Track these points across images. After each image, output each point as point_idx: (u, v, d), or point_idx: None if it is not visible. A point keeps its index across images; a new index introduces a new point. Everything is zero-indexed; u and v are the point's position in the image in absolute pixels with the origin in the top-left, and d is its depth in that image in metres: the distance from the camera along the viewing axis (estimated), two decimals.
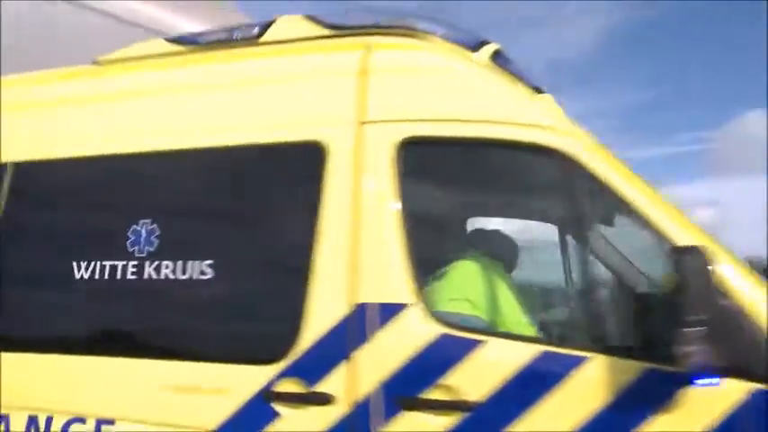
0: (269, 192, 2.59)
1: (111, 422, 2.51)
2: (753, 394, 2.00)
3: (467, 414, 2.19)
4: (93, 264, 2.64)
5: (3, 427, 2.60)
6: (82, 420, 2.54)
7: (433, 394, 2.23)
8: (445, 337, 2.25)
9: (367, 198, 2.42)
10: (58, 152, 2.82)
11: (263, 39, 2.85)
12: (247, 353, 2.44)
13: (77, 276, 2.65)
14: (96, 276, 2.63)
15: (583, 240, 2.28)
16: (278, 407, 2.35)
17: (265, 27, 2.86)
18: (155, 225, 2.61)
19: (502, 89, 2.50)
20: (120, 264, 2.61)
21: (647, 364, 2.10)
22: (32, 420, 2.58)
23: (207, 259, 2.51)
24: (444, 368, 2.23)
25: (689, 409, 2.03)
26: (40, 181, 2.88)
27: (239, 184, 2.62)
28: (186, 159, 2.65)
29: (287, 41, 2.80)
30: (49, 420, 2.56)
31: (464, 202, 2.63)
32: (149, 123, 2.74)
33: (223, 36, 2.91)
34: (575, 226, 2.28)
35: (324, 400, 2.30)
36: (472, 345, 2.23)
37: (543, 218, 2.74)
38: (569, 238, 2.30)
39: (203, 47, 2.93)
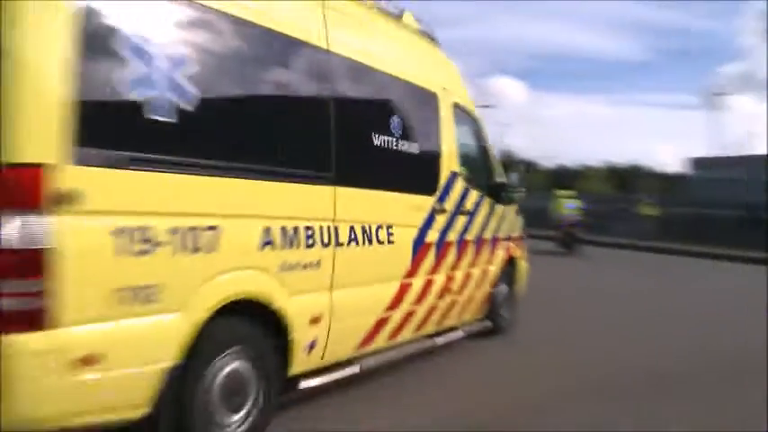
0: (421, 112, 5.12)
1: (391, 226, 4.55)
2: None
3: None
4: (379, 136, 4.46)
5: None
6: (381, 226, 4.44)
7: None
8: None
9: (452, 129, 5.47)
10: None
11: (400, 18, 5.11)
12: (427, 191, 5.06)
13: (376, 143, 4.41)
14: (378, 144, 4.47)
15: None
16: (437, 215, 5.16)
17: (401, 14, 5.12)
18: (398, 119, 4.69)
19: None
20: (389, 138, 4.56)
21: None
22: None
23: (407, 141, 4.86)
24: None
25: None
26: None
27: (401, 103, 4.93)
28: (396, 85, 4.78)
29: (408, 27, 5.20)
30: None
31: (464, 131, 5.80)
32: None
33: (395, 11, 4.95)
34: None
35: (445, 211, 5.30)
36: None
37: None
38: None
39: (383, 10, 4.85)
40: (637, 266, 14.89)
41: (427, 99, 5.22)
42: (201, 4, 3.13)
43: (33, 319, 2.42)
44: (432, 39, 5.64)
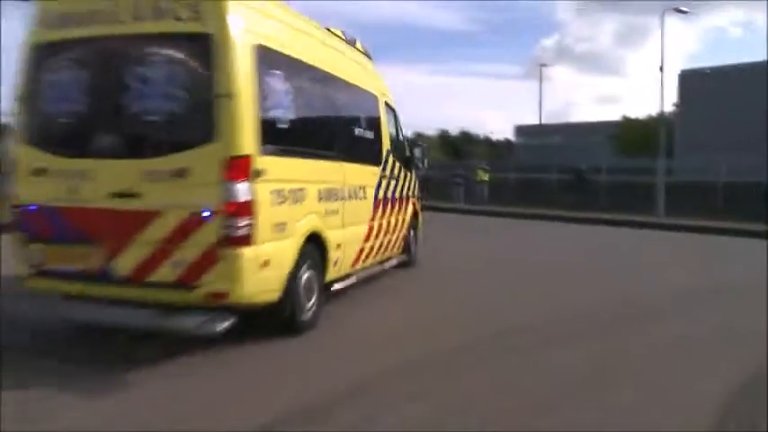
0: (372, 110, 7.45)
1: (364, 187, 6.87)
2: None
3: None
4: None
5: None
6: (361, 187, 6.74)
7: None
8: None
9: (385, 120, 7.86)
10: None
11: (355, 46, 7.37)
12: (377, 163, 7.42)
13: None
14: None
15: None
16: (382, 180, 7.55)
17: (354, 41, 7.36)
18: (362, 115, 6.99)
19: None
20: (359, 129, 6.86)
21: None
22: None
23: (368, 131, 7.21)
24: None
25: None
26: None
27: (363, 105, 7.27)
28: (359, 92, 7.06)
29: (357, 49, 7.47)
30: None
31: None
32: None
33: (350, 39, 7.19)
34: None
35: (386, 176, 7.71)
36: None
37: None
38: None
39: (345, 40, 7.07)
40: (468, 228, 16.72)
41: (373, 101, 7.57)
42: (290, 57, 5.23)
43: (247, 240, 4.48)
44: (369, 56, 7.95)
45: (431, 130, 73.83)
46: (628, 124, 56.97)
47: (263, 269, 4.67)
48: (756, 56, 74.36)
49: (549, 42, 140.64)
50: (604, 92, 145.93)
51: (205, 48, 4.44)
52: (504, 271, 9.37)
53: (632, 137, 52.06)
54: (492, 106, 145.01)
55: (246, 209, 4.47)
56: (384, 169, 7.66)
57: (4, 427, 3.30)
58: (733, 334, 5.84)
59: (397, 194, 8.20)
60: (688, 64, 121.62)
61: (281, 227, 4.90)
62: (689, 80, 44.26)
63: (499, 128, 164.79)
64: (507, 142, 64.58)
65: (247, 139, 4.49)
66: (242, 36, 4.53)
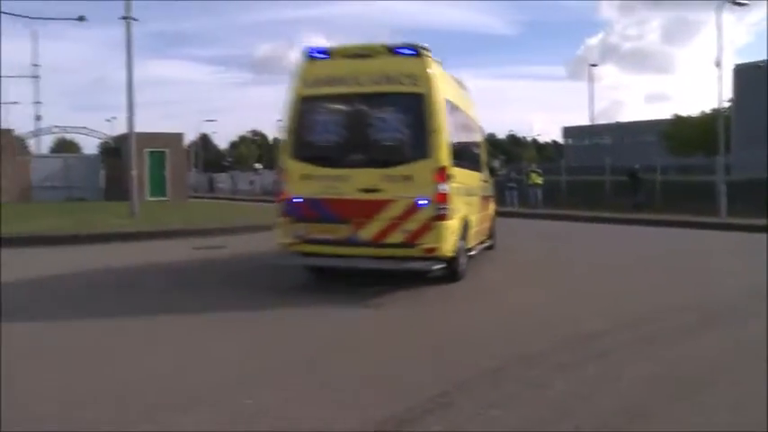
0: (476, 131, 10.41)
1: (476, 187, 9.79)
2: None
3: None
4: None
5: None
6: (475, 187, 9.67)
7: None
8: None
9: (480, 137, 10.79)
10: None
11: (460, 82, 10.32)
12: (478, 170, 10.33)
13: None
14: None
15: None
16: (481, 182, 10.46)
17: (460, 79, 10.31)
18: (471, 135, 9.93)
19: None
20: (471, 145, 9.78)
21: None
22: None
23: (476, 147, 10.14)
24: None
25: None
26: None
27: (473, 128, 10.24)
28: (468, 118, 10.02)
29: (462, 84, 10.42)
30: None
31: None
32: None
33: (458, 78, 10.15)
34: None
35: (483, 180, 10.61)
36: None
37: None
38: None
39: (457, 79, 10.03)
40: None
41: (476, 124, 10.52)
42: (454, 103, 8.17)
43: (446, 217, 7.36)
44: (467, 88, 10.88)
45: None
46: (680, 122, 54.81)
47: (452, 235, 7.56)
48: None
49: (593, 42, 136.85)
50: (653, 90, 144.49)
51: (419, 101, 7.34)
52: (575, 275, 9.29)
53: (685, 135, 50.46)
54: (537, 108, 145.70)
55: (446, 198, 7.37)
56: (482, 175, 10.58)
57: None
58: None
59: (487, 193, 11.10)
60: (737, 58, 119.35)
61: (456, 210, 7.80)
62: (744, 74, 42.18)
63: (546, 129, 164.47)
64: (555, 144, 64.24)
65: (446, 156, 7.40)
66: (440, 94, 7.45)
